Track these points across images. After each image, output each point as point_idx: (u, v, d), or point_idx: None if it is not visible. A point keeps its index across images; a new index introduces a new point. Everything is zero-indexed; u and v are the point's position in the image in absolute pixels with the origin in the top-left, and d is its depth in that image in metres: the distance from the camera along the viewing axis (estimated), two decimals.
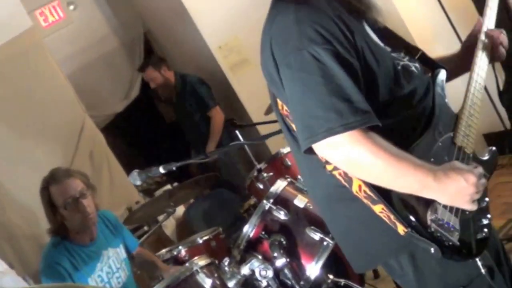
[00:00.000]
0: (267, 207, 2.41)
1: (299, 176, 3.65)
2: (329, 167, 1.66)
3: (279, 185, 2.51)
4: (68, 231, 2.93)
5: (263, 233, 2.40)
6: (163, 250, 3.49)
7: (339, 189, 1.68)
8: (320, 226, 2.38)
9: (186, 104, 5.87)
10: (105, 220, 3.13)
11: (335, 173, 1.66)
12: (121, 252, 3.11)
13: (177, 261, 3.47)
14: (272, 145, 5.46)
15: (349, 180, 1.64)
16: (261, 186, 3.59)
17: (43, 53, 4.95)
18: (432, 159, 1.63)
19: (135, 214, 3.78)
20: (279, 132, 4.47)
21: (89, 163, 4.99)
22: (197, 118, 5.83)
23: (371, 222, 1.66)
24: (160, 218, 3.97)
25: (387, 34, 1.83)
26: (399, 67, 1.72)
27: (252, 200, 3.89)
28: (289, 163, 3.71)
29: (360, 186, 1.61)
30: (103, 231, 3.07)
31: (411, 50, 1.86)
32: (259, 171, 3.39)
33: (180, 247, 3.42)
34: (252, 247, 2.41)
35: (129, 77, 6.38)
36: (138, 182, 2.79)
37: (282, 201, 2.45)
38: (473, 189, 1.56)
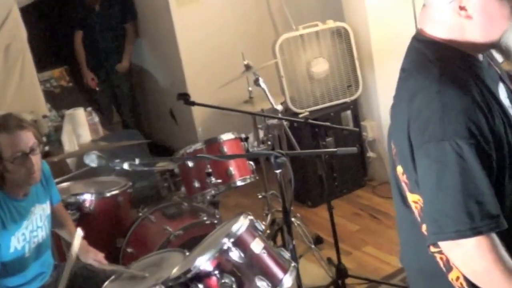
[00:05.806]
0: (225, 246, 2.43)
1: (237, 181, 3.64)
2: (433, 249, 1.62)
3: (242, 224, 2.51)
4: (5, 183, 2.76)
5: (214, 269, 2.43)
6: None
7: (435, 271, 1.66)
8: (269, 277, 2.46)
9: (110, 11, 5.64)
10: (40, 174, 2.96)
11: (437, 256, 1.64)
12: (47, 208, 2.98)
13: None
14: None
15: (449, 267, 1.62)
16: None
17: None
18: None
19: None
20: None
21: (3, 56, 4.59)
22: (113, 29, 5.72)
23: None
24: None
25: None
26: None
27: None
28: (225, 150, 3.67)
29: (458, 278, 1.60)
30: (36, 186, 2.92)
31: None
32: None
33: None
34: (198, 279, 2.44)
35: None
36: (94, 164, 2.68)
37: (241, 242, 2.47)
38: None
